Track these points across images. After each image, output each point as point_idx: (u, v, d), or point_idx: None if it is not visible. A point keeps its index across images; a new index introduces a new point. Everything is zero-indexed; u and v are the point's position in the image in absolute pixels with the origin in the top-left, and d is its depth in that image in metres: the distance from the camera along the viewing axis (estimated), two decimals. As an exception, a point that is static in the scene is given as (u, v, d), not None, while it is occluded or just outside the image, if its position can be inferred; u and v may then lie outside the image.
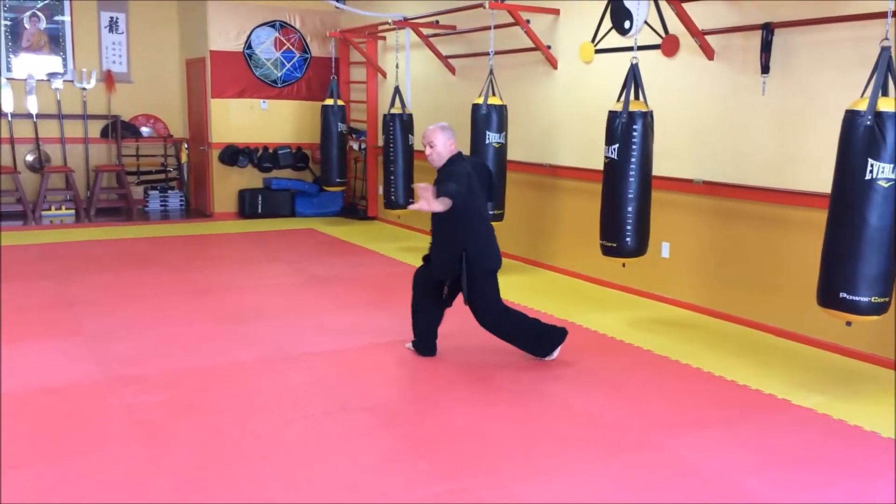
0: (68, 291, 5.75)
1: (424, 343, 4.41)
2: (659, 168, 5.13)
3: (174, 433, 3.32)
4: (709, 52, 5.17)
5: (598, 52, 6.08)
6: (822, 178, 4.33)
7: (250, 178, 9.73)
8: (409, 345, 4.49)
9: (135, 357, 4.29)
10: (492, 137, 6.09)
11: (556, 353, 4.34)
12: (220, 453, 3.14)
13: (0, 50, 9.37)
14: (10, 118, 9.32)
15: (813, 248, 4.04)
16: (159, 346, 4.49)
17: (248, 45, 9.54)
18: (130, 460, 3.06)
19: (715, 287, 5.30)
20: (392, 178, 7.45)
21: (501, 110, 6.12)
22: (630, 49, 5.15)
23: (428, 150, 4.19)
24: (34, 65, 9.53)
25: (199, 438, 3.27)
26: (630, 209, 4.80)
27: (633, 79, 4.75)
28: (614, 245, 4.89)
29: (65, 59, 9.72)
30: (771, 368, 4.26)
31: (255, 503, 2.75)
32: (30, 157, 9.58)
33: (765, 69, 4.80)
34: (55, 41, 9.66)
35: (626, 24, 5.79)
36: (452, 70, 7.85)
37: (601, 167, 5.02)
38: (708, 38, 5.14)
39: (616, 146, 4.77)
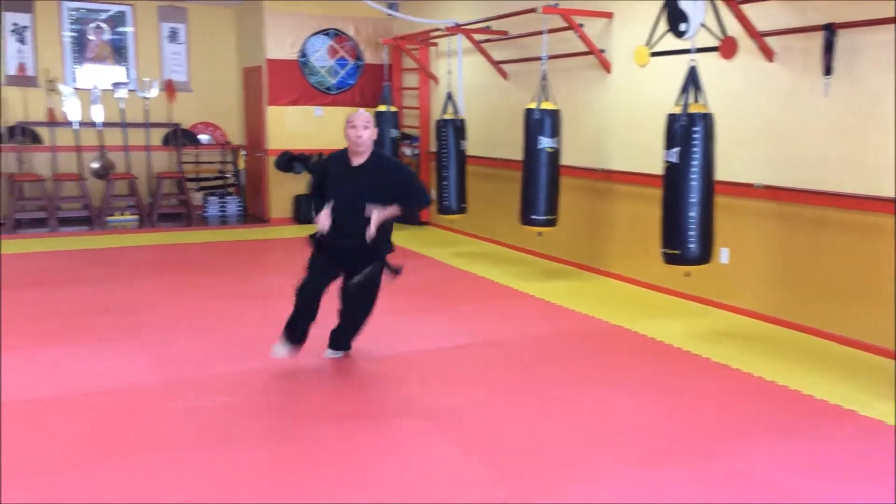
0: (131, 295, 5.92)
1: (301, 331, 4.25)
2: (718, 172, 5.04)
3: (232, 436, 3.39)
4: (768, 54, 5.07)
5: (653, 55, 5.99)
6: (889, 183, 4.20)
7: (306, 183, 9.87)
8: (280, 347, 4.25)
9: (194, 360, 4.40)
10: (545, 142, 6.07)
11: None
12: (279, 456, 3.20)
13: (66, 61, 9.72)
14: (76, 127, 9.65)
15: (880, 255, 3.92)
16: (217, 350, 4.59)
17: (303, 54, 9.70)
18: (189, 463, 3.14)
19: (778, 294, 5.18)
20: (445, 183, 7.47)
21: (554, 115, 6.09)
22: (686, 51, 5.07)
23: (363, 132, 4.16)
24: (99, 75, 9.85)
25: (258, 441, 3.33)
26: (693, 214, 4.71)
27: (692, 81, 4.68)
28: (677, 252, 4.80)
29: (128, 69, 10.03)
30: (836, 378, 4.15)
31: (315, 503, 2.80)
32: (95, 165, 9.90)
33: (827, 71, 4.68)
34: (119, 52, 9.97)
35: (682, 27, 5.70)
36: (504, 75, 7.85)
37: (657, 171, 4.96)
38: (767, 39, 5.03)
39: (676, 150, 4.70)
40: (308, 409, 3.70)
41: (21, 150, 9.43)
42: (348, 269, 4.19)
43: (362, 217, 4.01)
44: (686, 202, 4.70)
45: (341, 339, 4.41)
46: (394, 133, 8.84)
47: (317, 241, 4.21)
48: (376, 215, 4.01)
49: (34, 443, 3.30)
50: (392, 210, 4.10)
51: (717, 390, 4.01)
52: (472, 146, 7.91)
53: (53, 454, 3.20)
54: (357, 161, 4.20)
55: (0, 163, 9.34)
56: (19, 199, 9.13)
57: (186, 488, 2.92)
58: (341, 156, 4.26)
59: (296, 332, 4.22)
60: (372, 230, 3.99)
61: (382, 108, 8.78)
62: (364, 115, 4.22)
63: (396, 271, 4.24)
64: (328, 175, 4.28)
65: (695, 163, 4.66)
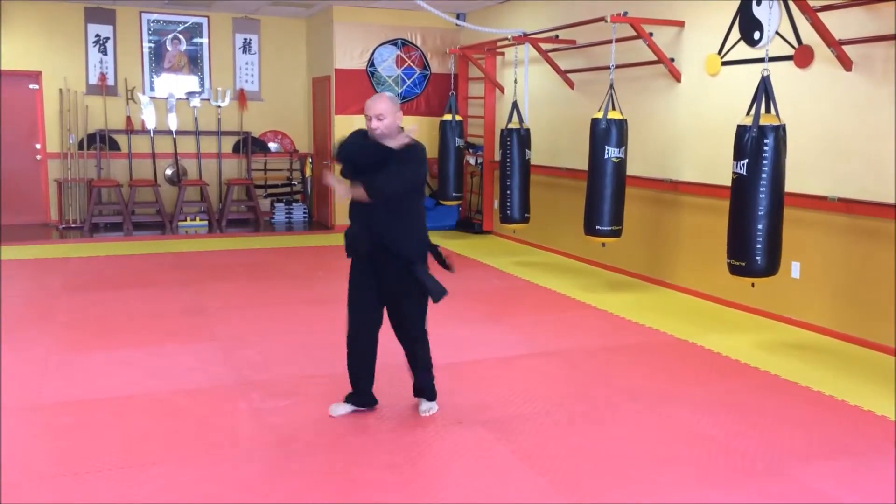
0: (202, 298, 6.09)
1: (363, 391, 3.74)
2: (790, 184, 4.91)
3: (298, 439, 3.44)
4: (846, 63, 4.91)
5: (724, 63, 5.89)
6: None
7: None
8: (342, 407, 3.73)
9: (263, 362, 4.49)
10: (611, 152, 6.01)
11: (435, 407, 3.80)
12: (341, 461, 3.24)
13: (144, 71, 10.09)
14: (152, 134, 10.00)
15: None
16: (285, 353, 4.68)
17: (371, 63, 9.83)
18: (258, 464, 3.20)
19: (851, 310, 5.00)
20: (508, 192, 7.46)
21: (621, 125, 6.03)
22: (760, 60, 4.96)
23: (376, 123, 3.43)
24: (174, 84, 10.19)
25: (322, 446, 3.38)
26: (760, 227, 4.62)
27: (764, 91, 4.58)
28: (743, 264, 4.71)
29: (202, 79, 10.34)
30: (914, 399, 3.98)
31: (374, 510, 2.82)
32: (169, 171, 10.23)
33: (909, 80, 4.51)
34: (194, 62, 10.30)
35: (756, 35, 5.59)
36: (571, 84, 7.80)
37: (726, 183, 4.86)
38: (845, 48, 4.88)
39: (745, 161, 4.60)
40: (367, 416, 3.73)
41: (100, 156, 9.83)
42: (388, 294, 3.62)
43: (387, 215, 3.49)
44: (754, 214, 4.61)
45: (419, 385, 3.79)
46: (458, 142, 8.88)
47: (349, 246, 3.63)
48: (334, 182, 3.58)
49: (120, 439, 3.42)
50: (358, 190, 3.44)
51: (787, 408, 3.89)
52: (537, 155, 7.88)
53: (138, 450, 3.31)
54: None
55: (80, 169, 9.75)
56: (97, 203, 9.50)
57: (251, 490, 2.98)
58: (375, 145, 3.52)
59: (358, 392, 3.74)
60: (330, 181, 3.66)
61: (447, 117, 8.83)
62: (375, 108, 3.44)
63: (447, 267, 3.70)
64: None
65: (764, 175, 4.56)
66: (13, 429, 3.50)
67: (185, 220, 9.84)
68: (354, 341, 3.68)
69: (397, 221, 3.51)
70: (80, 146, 9.77)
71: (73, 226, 9.64)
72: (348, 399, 3.74)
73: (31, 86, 9.69)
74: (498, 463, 3.24)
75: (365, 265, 3.60)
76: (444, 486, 3.03)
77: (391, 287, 3.59)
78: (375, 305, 3.64)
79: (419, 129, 3.75)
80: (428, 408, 3.77)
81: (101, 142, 9.83)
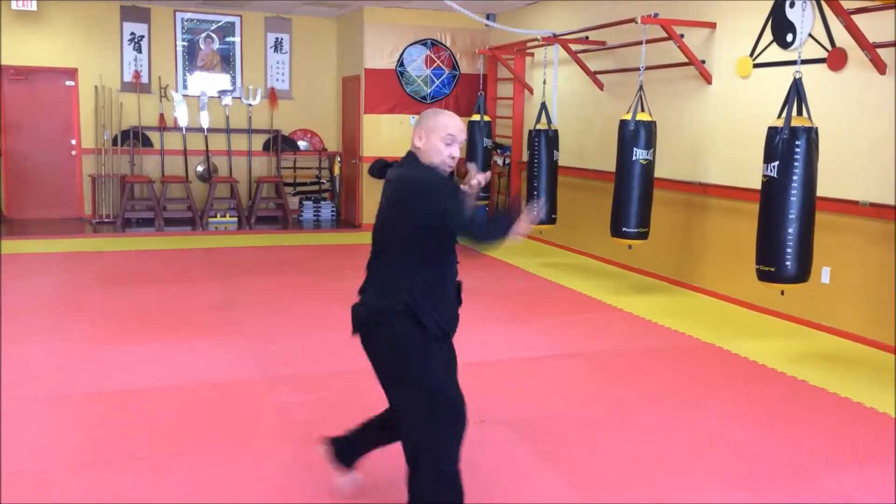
0: (231, 293, 6.17)
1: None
2: (820, 188, 4.85)
3: (322, 433, 3.48)
4: (881, 67, 4.85)
5: (756, 66, 5.84)
6: None
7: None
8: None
9: (289, 358, 4.55)
10: (639, 154, 5.98)
11: None
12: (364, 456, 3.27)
13: (178, 69, 10.23)
14: (184, 131, 10.14)
15: None
16: (311, 349, 4.74)
17: (401, 63, 9.88)
18: (283, 457, 3.25)
19: (881, 317, 4.93)
20: (535, 193, 7.46)
21: (650, 126, 6.00)
22: (792, 63, 4.91)
23: (456, 150, 2.55)
24: (207, 82, 10.33)
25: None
26: (791, 231, 4.54)
27: (796, 94, 4.53)
28: (772, 270, 4.63)
29: (233, 78, 10.47)
30: (945, 408, 3.92)
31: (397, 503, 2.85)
32: (200, 168, 10.37)
33: (945, 84, 4.44)
34: (226, 60, 10.43)
35: (789, 37, 5.53)
36: (601, 86, 7.78)
37: (756, 186, 4.81)
38: (880, 51, 4.82)
39: (776, 164, 4.55)
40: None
41: (134, 153, 10.00)
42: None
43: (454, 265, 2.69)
44: (784, 218, 4.54)
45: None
46: (486, 142, 8.89)
47: (439, 328, 2.59)
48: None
49: (149, 429, 3.49)
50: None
51: (815, 415, 3.85)
52: (565, 157, 7.87)
53: (166, 440, 3.37)
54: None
55: (114, 164, 9.92)
56: (129, 199, 9.66)
57: (276, 482, 3.03)
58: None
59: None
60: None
61: (476, 117, 8.85)
62: (458, 123, 2.57)
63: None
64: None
65: (795, 178, 4.50)
66: (46, 417, 3.59)
67: (216, 216, 9.96)
68: (463, 405, 2.62)
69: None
70: (114, 142, 9.94)
71: (105, 220, 9.81)
72: None
73: (67, 82, 9.89)
74: (520, 462, 3.25)
75: (439, 343, 2.64)
76: (466, 484, 3.03)
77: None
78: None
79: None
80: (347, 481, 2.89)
81: (134, 138, 9.99)
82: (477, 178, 2.62)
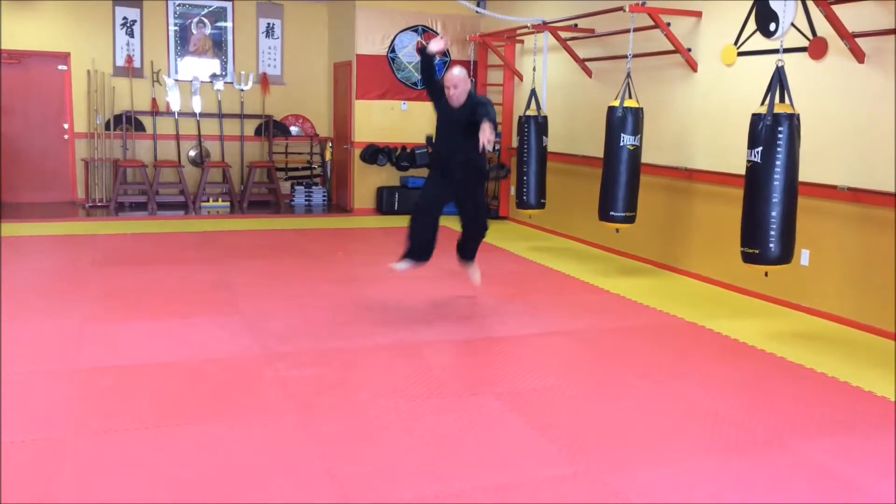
0: (226, 274, 6.29)
1: (425, 249, 5.38)
2: (801, 173, 5.02)
3: (321, 405, 3.64)
4: (859, 55, 5.02)
5: (740, 54, 6.00)
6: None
7: (388, 176, 10.18)
8: (401, 264, 5.42)
9: (286, 335, 4.69)
10: (626, 140, 6.14)
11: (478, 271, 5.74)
12: (362, 425, 3.42)
13: (170, 53, 10.29)
14: (176, 116, 10.21)
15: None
16: (307, 327, 4.88)
17: (392, 49, 9.98)
18: (283, 426, 3.40)
19: (857, 298, 5.13)
20: (525, 178, 7.61)
21: (637, 113, 6.15)
22: (775, 51, 5.07)
23: (453, 91, 5.13)
24: (198, 67, 10.39)
25: (344, 411, 3.57)
26: (774, 214, 4.71)
27: (779, 81, 4.69)
28: (756, 252, 4.80)
29: (225, 63, 10.54)
30: (914, 382, 4.12)
31: (397, 471, 3.00)
32: (192, 153, 10.45)
33: (920, 72, 4.61)
34: (218, 45, 10.49)
35: (772, 26, 5.69)
36: (589, 73, 7.92)
37: (740, 172, 4.97)
38: (858, 40, 4.99)
39: (759, 149, 4.71)
40: (387, 385, 3.91)
41: (126, 137, 10.06)
42: (468, 197, 5.34)
43: (470, 143, 4.97)
44: (768, 202, 4.70)
45: (467, 250, 5.62)
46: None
47: (437, 161, 5.44)
48: (486, 126, 4.79)
49: (155, 401, 3.63)
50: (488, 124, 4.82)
51: (791, 387, 4.04)
52: (554, 142, 8.02)
53: (171, 411, 3.51)
54: (456, 105, 5.22)
55: (106, 149, 9.98)
56: (122, 183, 9.73)
57: (278, 450, 3.18)
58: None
59: (419, 250, 5.39)
60: (487, 134, 4.74)
61: (466, 103, 8.95)
62: (453, 77, 5.13)
63: (501, 173, 5.28)
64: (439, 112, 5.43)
65: (778, 163, 4.66)
66: (54, 389, 3.72)
67: (208, 200, 10.06)
68: (426, 214, 5.32)
69: (475, 147, 4.91)
70: (107, 126, 10.00)
71: (98, 204, 9.89)
72: (406, 257, 5.41)
73: (59, 67, 9.93)
74: (511, 431, 3.41)
75: (445, 175, 5.31)
76: (459, 451, 3.21)
77: (471, 191, 5.35)
78: (443, 201, 5.34)
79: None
80: (475, 272, 5.74)
81: (126, 123, 10.05)
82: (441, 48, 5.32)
